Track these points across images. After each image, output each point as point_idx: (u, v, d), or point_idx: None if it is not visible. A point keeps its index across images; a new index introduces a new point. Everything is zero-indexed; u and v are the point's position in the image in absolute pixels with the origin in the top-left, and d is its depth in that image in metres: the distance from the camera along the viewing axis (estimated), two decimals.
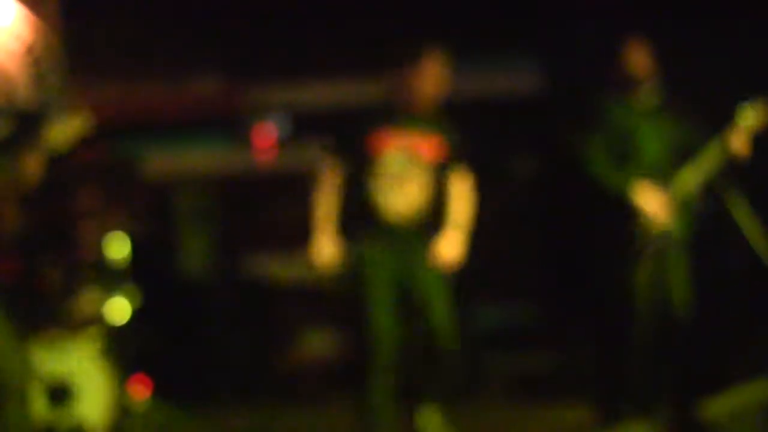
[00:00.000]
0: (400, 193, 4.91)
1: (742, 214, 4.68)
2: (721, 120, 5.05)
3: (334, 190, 4.98)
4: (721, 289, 6.56)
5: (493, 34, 7.80)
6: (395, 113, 5.02)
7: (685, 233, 5.17)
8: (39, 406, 5.28)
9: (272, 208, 8.03)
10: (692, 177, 5.06)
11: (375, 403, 4.87)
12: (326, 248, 4.93)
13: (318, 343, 7.59)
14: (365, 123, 5.01)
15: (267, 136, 7.95)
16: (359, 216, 4.96)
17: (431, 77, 4.98)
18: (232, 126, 7.99)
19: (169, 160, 7.97)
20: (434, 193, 5.02)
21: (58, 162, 5.19)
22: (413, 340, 5.04)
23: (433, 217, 5.04)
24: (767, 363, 5.40)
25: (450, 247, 5.01)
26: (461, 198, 5.12)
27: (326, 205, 4.97)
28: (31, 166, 4.19)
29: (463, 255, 5.05)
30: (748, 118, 4.96)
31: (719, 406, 5.14)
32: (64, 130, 4.25)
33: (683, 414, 5.08)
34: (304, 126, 7.94)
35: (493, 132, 7.62)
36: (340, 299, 7.64)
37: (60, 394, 5.42)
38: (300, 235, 7.95)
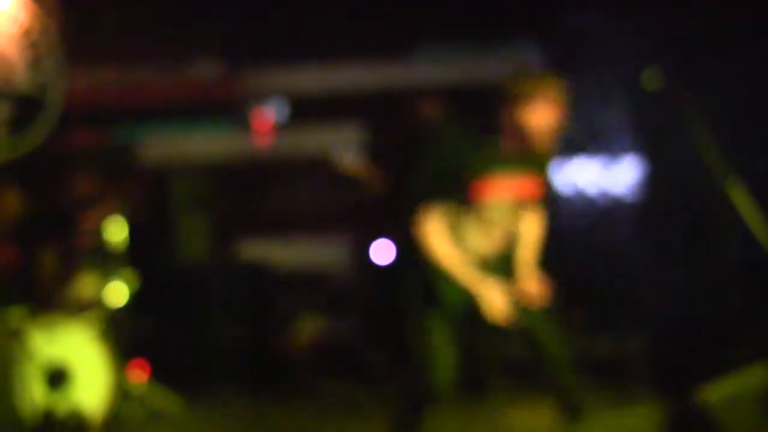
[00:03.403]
0: (488, 236, 4.45)
1: (742, 201, 4.66)
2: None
3: (447, 238, 4.38)
4: (720, 277, 6.58)
5: (493, 23, 7.79)
6: (499, 152, 4.40)
7: None
8: (37, 389, 5.29)
9: (270, 193, 8.03)
10: None
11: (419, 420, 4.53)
12: (499, 296, 4.30)
13: (315, 329, 7.59)
14: (470, 168, 4.38)
15: (265, 120, 7.95)
16: None
17: (548, 111, 4.30)
18: (231, 111, 7.98)
19: (167, 146, 7.97)
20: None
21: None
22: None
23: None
24: (765, 349, 5.41)
25: (534, 285, 4.53)
26: (534, 233, 4.66)
27: (460, 256, 4.36)
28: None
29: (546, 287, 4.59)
30: None
31: (716, 392, 5.14)
32: None
33: (681, 400, 5.09)
34: (302, 111, 7.94)
35: (494, 118, 7.60)
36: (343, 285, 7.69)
37: (58, 377, 5.42)
38: (296, 220, 8.01)
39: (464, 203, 4.37)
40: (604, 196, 7.26)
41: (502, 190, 4.40)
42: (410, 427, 4.55)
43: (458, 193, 4.36)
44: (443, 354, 4.41)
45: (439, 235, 4.33)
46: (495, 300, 4.25)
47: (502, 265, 4.54)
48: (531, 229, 4.66)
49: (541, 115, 4.27)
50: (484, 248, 4.46)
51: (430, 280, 4.42)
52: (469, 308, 4.41)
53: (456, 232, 4.40)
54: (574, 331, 7.09)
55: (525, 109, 4.27)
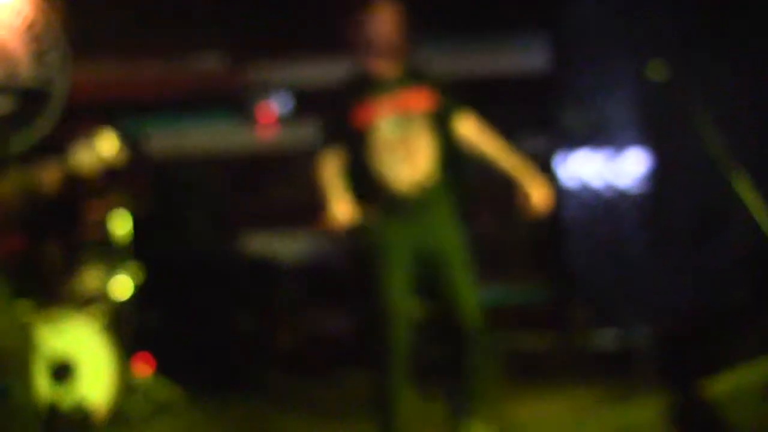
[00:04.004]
0: (406, 160, 4.68)
1: (747, 193, 4.66)
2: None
3: (336, 172, 4.77)
4: (725, 269, 6.57)
5: (499, 14, 7.78)
6: (370, 78, 4.82)
7: None
8: (42, 383, 5.29)
9: (274, 186, 8.01)
10: None
11: (388, 387, 4.66)
12: (341, 208, 4.62)
13: (321, 321, 7.58)
14: (344, 100, 4.83)
15: (269, 113, 7.93)
16: (368, 194, 4.70)
17: (384, 21, 4.80)
18: (235, 103, 7.97)
19: (172, 138, 7.95)
20: (442, 147, 4.78)
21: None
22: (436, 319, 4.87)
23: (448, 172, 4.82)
24: None
25: (538, 192, 4.71)
26: (490, 141, 4.85)
27: (332, 181, 4.74)
28: (50, 178, 4.19)
29: (549, 191, 4.75)
30: None
31: (722, 385, 5.13)
32: (91, 154, 4.22)
33: (686, 393, 5.07)
34: (306, 103, 7.92)
35: (501, 110, 7.60)
36: (347, 277, 7.67)
37: (63, 371, 5.42)
38: (301, 212, 7.99)
39: (354, 134, 4.72)
40: (609, 188, 7.25)
41: (385, 110, 4.72)
42: (383, 391, 4.68)
43: (343, 128, 4.77)
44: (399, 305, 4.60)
45: (323, 170, 4.79)
46: (336, 212, 4.60)
47: (439, 192, 4.74)
48: (479, 138, 4.88)
49: (379, 25, 4.79)
50: (410, 175, 4.66)
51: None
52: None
53: (372, 167, 4.68)
54: (579, 325, 7.11)
55: (366, 25, 4.82)
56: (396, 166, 4.68)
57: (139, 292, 6.11)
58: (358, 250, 4.82)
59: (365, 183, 4.73)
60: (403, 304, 4.65)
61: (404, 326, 4.63)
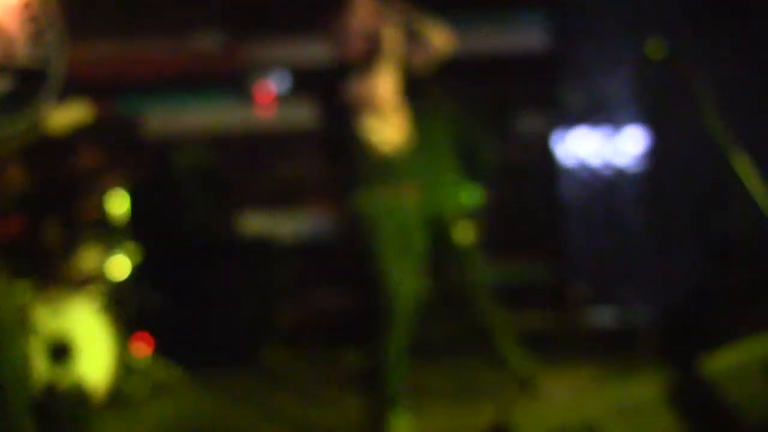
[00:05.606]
0: (389, 125, 4.84)
1: (746, 171, 4.64)
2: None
3: None
4: (724, 247, 6.56)
5: None
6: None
7: None
8: (40, 363, 5.29)
9: (273, 165, 8.01)
10: None
11: (389, 360, 4.70)
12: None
13: (320, 300, 7.58)
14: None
15: (267, 92, 7.92)
16: (352, 160, 4.83)
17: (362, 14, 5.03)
18: (233, 83, 7.95)
19: (170, 117, 7.94)
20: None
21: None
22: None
23: None
24: None
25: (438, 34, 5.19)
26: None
27: None
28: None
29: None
30: None
31: (721, 362, 5.12)
32: (64, 117, 4.24)
33: (685, 370, 5.07)
34: (304, 82, 7.90)
35: (498, 88, 7.59)
36: (345, 255, 7.67)
37: (60, 351, 5.41)
38: (300, 191, 7.99)
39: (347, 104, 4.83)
40: (607, 166, 7.24)
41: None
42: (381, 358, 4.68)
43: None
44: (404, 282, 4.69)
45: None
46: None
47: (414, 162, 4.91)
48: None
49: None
50: (395, 137, 4.83)
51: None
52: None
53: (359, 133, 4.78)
54: (578, 303, 7.11)
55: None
56: (381, 131, 4.82)
57: (138, 272, 6.10)
58: (355, 229, 4.83)
59: (351, 148, 4.82)
60: (403, 281, 4.68)
61: (404, 303, 4.66)
